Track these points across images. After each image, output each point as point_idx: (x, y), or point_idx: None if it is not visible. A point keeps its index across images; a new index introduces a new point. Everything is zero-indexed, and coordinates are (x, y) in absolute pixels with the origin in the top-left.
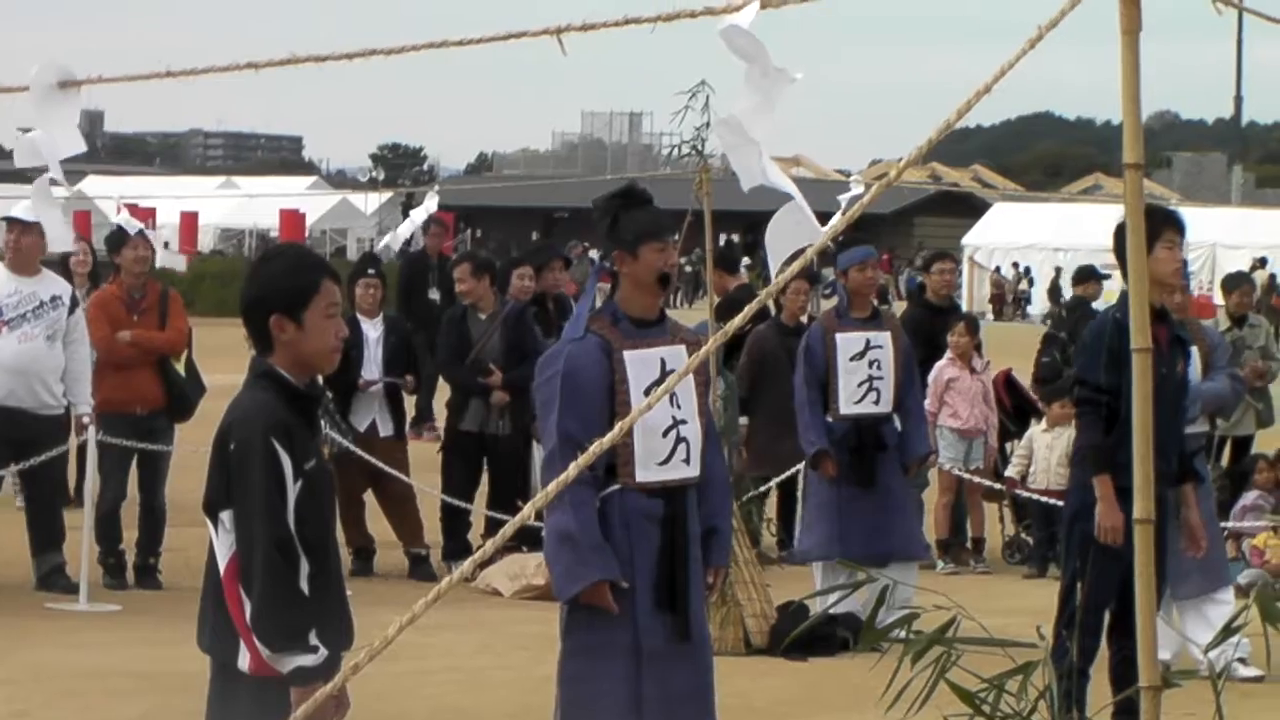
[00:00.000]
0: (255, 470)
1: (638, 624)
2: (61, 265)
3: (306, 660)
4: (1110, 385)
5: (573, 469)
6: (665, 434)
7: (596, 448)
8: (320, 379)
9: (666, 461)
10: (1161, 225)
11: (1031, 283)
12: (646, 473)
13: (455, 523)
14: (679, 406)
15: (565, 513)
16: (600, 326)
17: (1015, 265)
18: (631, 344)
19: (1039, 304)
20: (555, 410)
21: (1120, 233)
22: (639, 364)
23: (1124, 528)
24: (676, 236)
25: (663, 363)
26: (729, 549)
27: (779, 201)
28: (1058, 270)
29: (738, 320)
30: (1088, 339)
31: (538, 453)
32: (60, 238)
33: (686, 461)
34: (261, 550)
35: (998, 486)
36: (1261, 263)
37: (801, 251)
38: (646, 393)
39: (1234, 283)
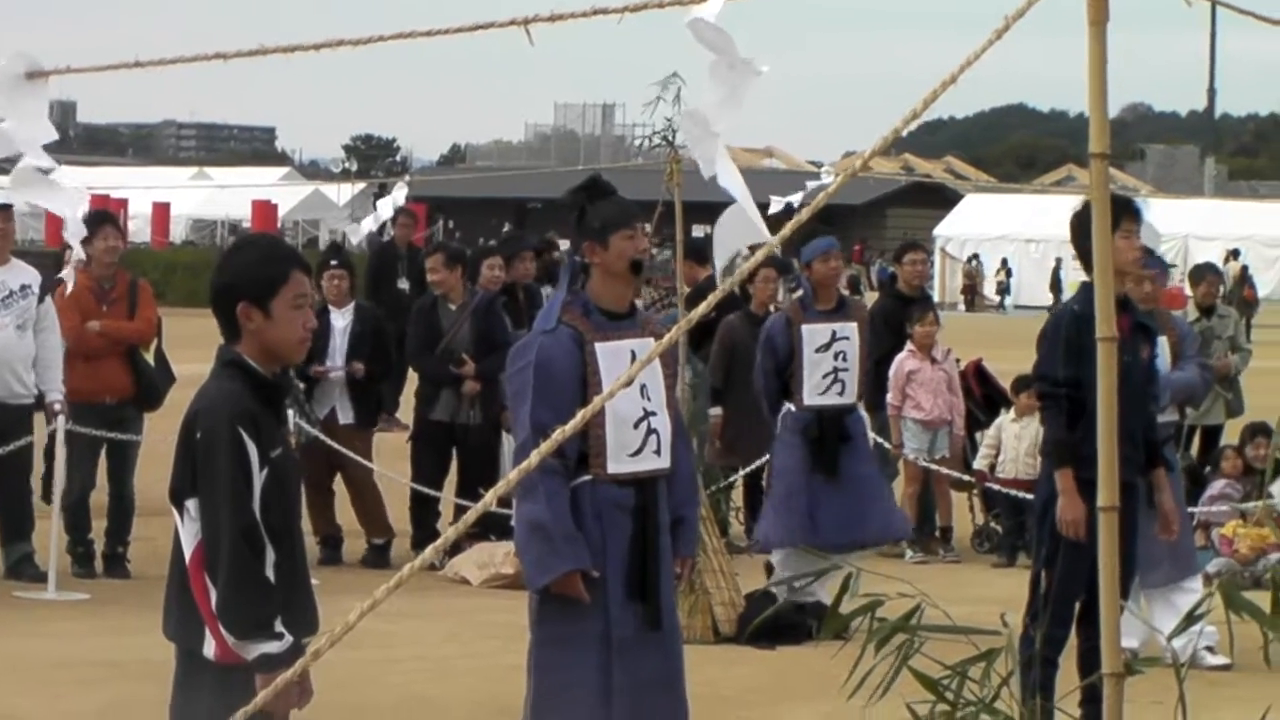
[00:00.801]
0: (221, 458)
1: (609, 614)
2: (56, 261)
3: (271, 647)
4: (1069, 379)
5: (535, 456)
6: (636, 425)
7: (559, 435)
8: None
9: (638, 453)
10: (1119, 214)
11: (1010, 274)
12: (618, 464)
13: (424, 512)
14: (649, 398)
15: (538, 503)
16: (572, 318)
17: (1004, 261)
18: (603, 336)
19: (1013, 296)
20: (528, 401)
21: (1078, 222)
22: (610, 356)
23: (1086, 521)
24: (647, 225)
25: (633, 355)
26: (696, 539)
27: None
28: (1059, 261)
29: (702, 308)
30: (1047, 332)
31: (508, 443)
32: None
33: (658, 453)
34: (227, 538)
35: (965, 478)
36: (1234, 254)
37: (756, 247)
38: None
39: (1200, 274)
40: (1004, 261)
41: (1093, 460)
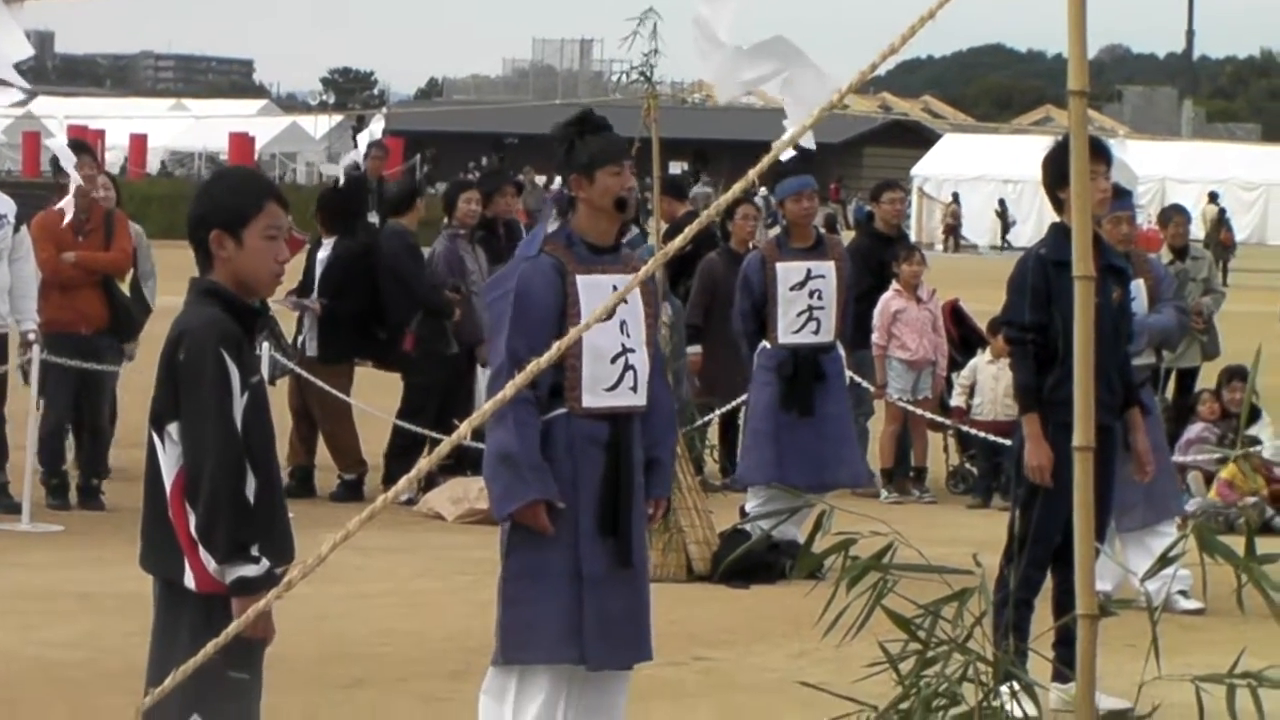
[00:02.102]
0: (206, 381)
1: (579, 548)
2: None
3: (249, 571)
4: (1034, 323)
5: (509, 388)
6: (614, 360)
7: (534, 366)
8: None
9: (614, 388)
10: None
11: (1005, 215)
12: (593, 398)
13: (405, 453)
14: (628, 335)
15: (507, 432)
16: (555, 248)
17: (1001, 202)
18: (585, 269)
19: (984, 236)
20: (505, 329)
21: (1049, 163)
22: (591, 289)
23: (1053, 466)
24: (634, 162)
25: (614, 289)
26: (670, 480)
27: (726, 130)
28: (1212, 197)
29: (678, 241)
30: (1013, 278)
31: (481, 376)
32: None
33: (634, 389)
34: (211, 460)
35: (944, 421)
36: (1213, 197)
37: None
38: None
39: (1167, 215)
40: (1001, 202)
41: (1068, 404)
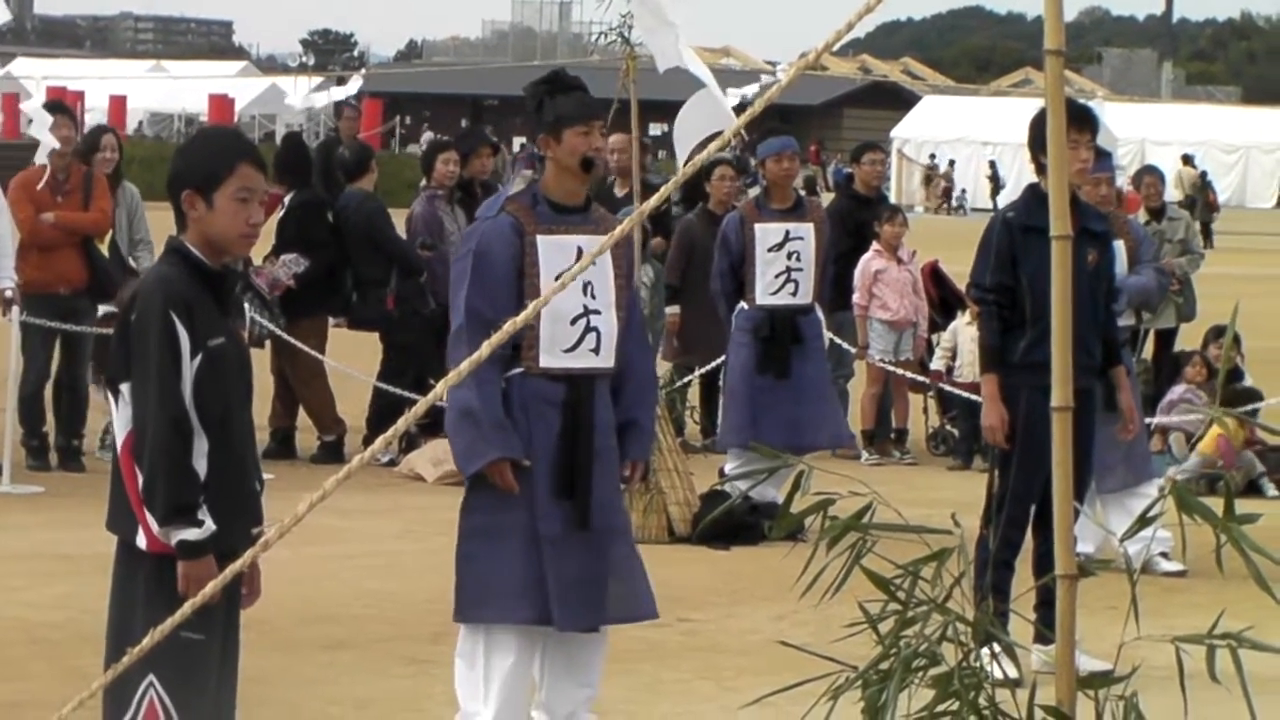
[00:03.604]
0: (152, 343)
1: (536, 509)
2: (83, 158)
3: (190, 535)
4: (995, 285)
5: (486, 347)
6: (574, 322)
7: (510, 326)
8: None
9: (573, 349)
10: (1069, 121)
11: (997, 180)
12: (550, 358)
13: (387, 416)
14: (593, 296)
15: (469, 389)
16: (516, 208)
17: (992, 164)
18: (546, 229)
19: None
20: (464, 287)
21: (1034, 126)
22: (552, 249)
23: (1006, 429)
24: (604, 123)
25: (579, 251)
26: (649, 444)
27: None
28: (1186, 159)
29: (654, 200)
30: (981, 240)
31: None
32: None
33: (595, 351)
34: (153, 422)
35: (924, 380)
36: (1187, 159)
37: (712, 138)
38: (558, 278)
39: (1139, 177)
40: (991, 165)
41: (1041, 367)
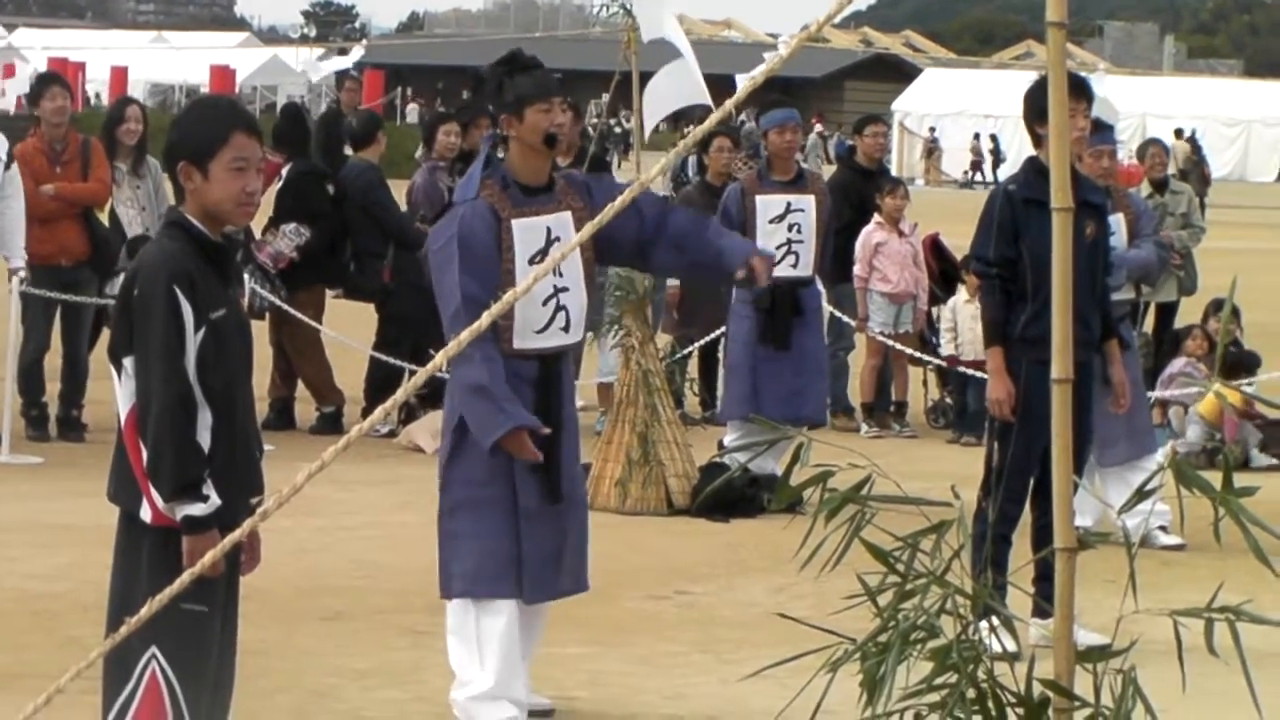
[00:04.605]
0: (156, 318)
1: (510, 481)
2: (108, 133)
3: (195, 510)
4: (999, 258)
5: (486, 317)
6: (545, 303)
7: (499, 306)
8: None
9: (544, 330)
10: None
11: (998, 153)
12: (523, 340)
13: (383, 388)
14: (561, 274)
15: (476, 367)
16: (490, 193)
17: (994, 138)
18: (519, 212)
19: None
20: (454, 271)
21: (1030, 97)
22: (525, 232)
23: (1015, 401)
24: (564, 99)
25: (548, 231)
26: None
27: (706, 63)
28: (1178, 133)
29: (653, 174)
30: (982, 213)
31: None
32: None
33: (565, 329)
34: (158, 398)
35: (933, 360)
36: (1179, 133)
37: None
38: (531, 261)
39: (1144, 149)
40: (993, 138)
41: (1041, 341)
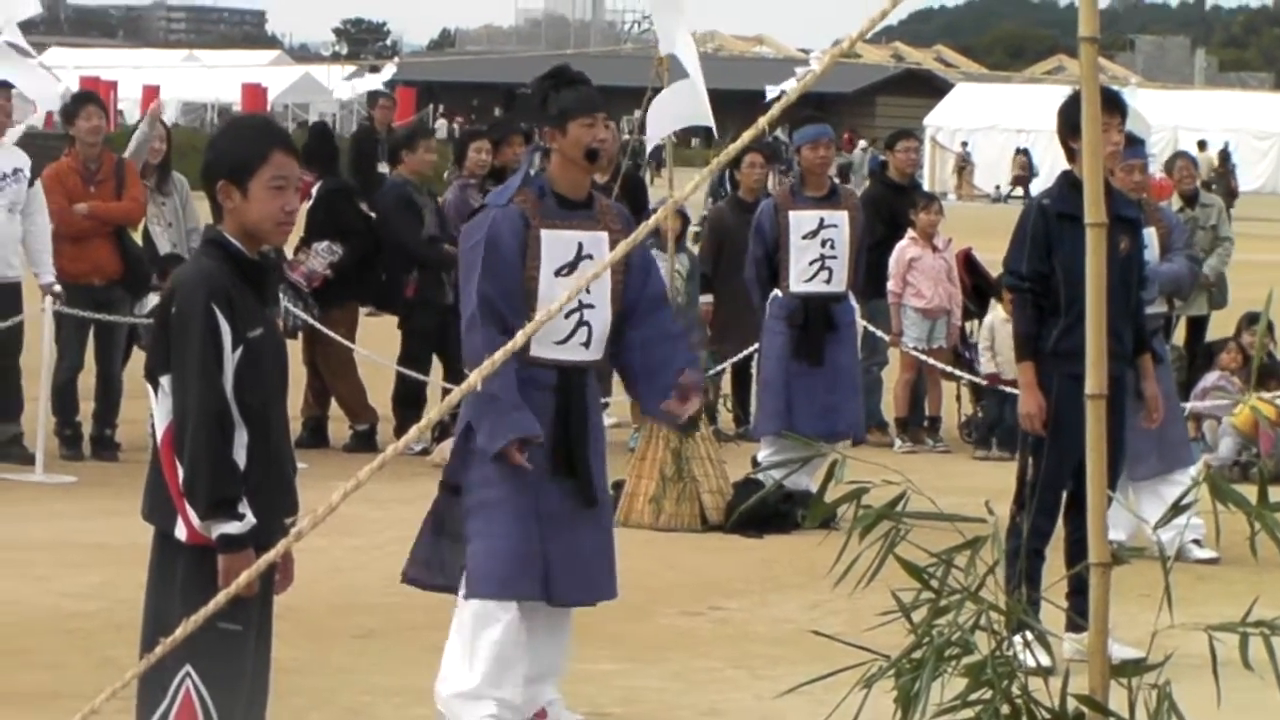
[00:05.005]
0: (194, 336)
1: (536, 487)
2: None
3: (231, 528)
4: (1032, 273)
5: (521, 336)
6: (568, 316)
7: (531, 327)
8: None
9: (564, 341)
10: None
11: (1030, 167)
12: (541, 349)
13: (410, 403)
14: (588, 290)
15: (486, 380)
16: (524, 199)
17: (1026, 153)
18: (550, 223)
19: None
20: (476, 273)
21: (1065, 112)
22: (554, 244)
23: (1046, 416)
24: (607, 115)
25: (580, 247)
26: (692, 354)
27: (739, 79)
28: (1201, 145)
29: (688, 191)
30: (1016, 227)
31: None
32: (44, 94)
33: (586, 345)
34: (195, 416)
35: (966, 375)
36: (1202, 145)
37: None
38: (557, 274)
39: (1171, 162)
40: (1023, 151)
41: (1075, 355)
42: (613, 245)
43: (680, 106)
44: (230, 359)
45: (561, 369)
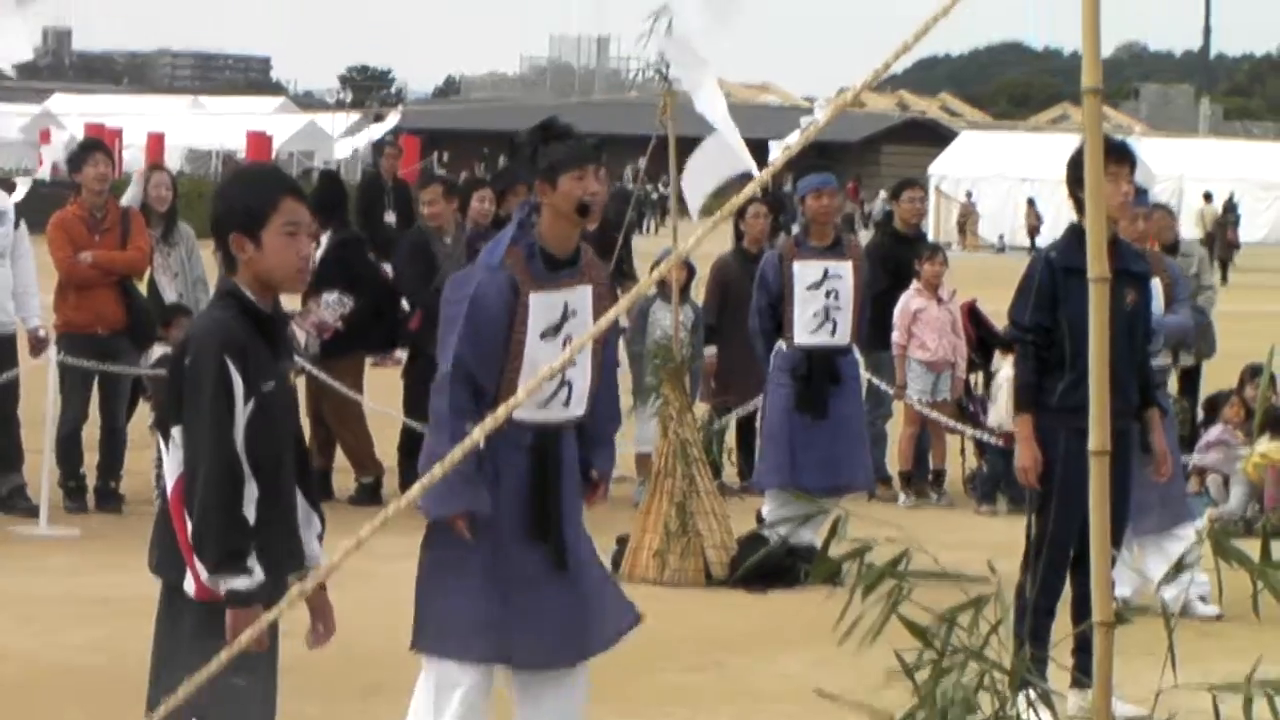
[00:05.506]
0: (206, 388)
1: (499, 550)
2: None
3: (240, 584)
4: (1034, 324)
5: (522, 393)
6: (551, 378)
7: (523, 392)
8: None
9: (546, 403)
10: (1107, 157)
11: (1040, 218)
12: (524, 412)
13: (414, 451)
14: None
15: (442, 444)
16: (514, 261)
17: (1031, 202)
18: (539, 286)
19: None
20: (456, 332)
21: (1073, 165)
22: (541, 307)
23: (1040, 469)
24: (598, 166)
25: (565, 306)
26: (612, 457)
27: (744, 127)
28: (1207, 197)
29: (691, 245)
30: (1022, 278)
31: None
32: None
33: (566, 404)
34: (205, 470)
35: (970, 429)
36: (1208, 197)
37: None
38: (542, 335)
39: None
40: (1030, 202)
41: (1079, 410)
42: (596, 298)
43: (715, 163)
44: (242, 412)
45: (539, 429)
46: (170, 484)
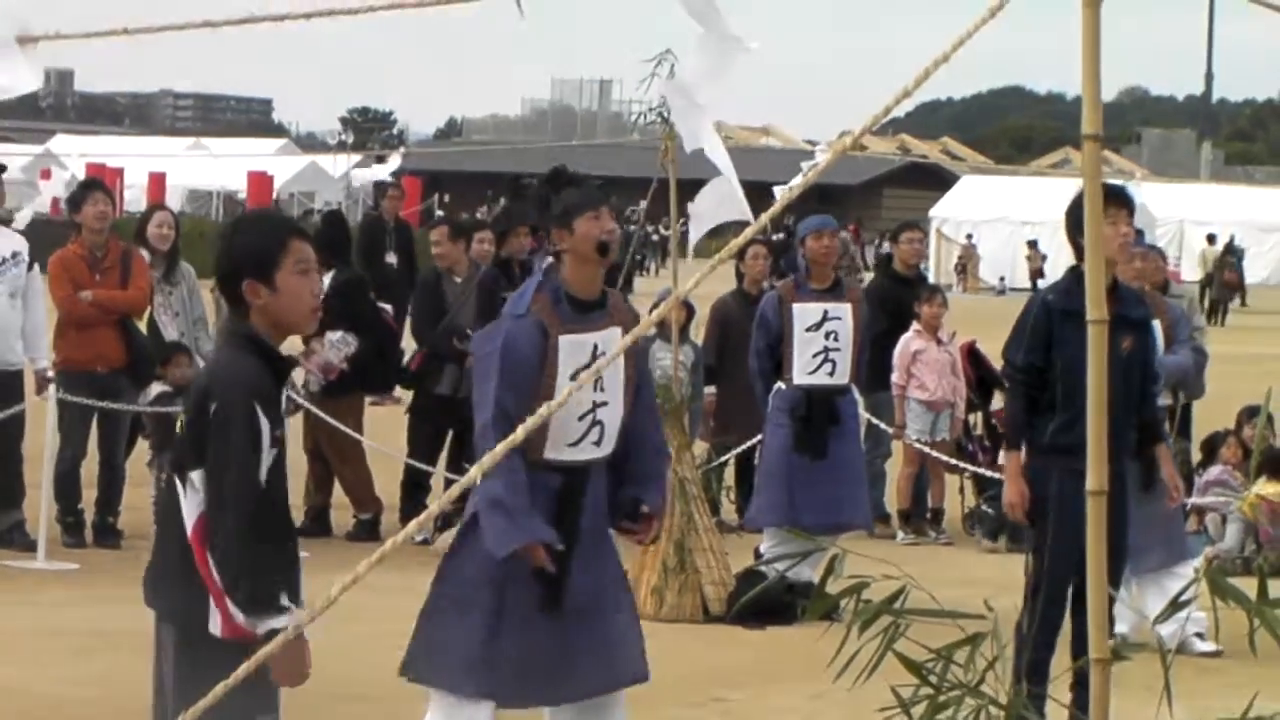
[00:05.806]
0: (236, 433)
1: (507, 588)
2: (139, 238)
3: (279, 622)
4: (1027, 364)
5: (520, 431)
6: (582, 418)
7: (532, 421)
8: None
9: (577, 444)
10: (1105, 200)
11: (1044, 257)
12: (554, 452)
13: (416, 488)
14: (601, 389)
15: (496, 482)
16: (541, 307)
17: (1032, 244)
18: (567, 329)
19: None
20: (493, 381)
21: (1072, 211)
22: (571, 349)
23: (1026, 505)
24: (610, 206)
25: (594, 348)
26: (665, 496)
27: (745, 169)
28: (1210, 239)
29: (690, 286)
30: (1019, 317)
31: None
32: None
33: (597, 444)
34: (239, 514)
35: (969, 467)
36: (1211, 239)
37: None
38: (573, 377)
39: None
40: (1033, 243)
41: (1072, 450)
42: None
43: (718, 204)
44: (266, 456)
45: (566, 470)
46: (190, 525)
